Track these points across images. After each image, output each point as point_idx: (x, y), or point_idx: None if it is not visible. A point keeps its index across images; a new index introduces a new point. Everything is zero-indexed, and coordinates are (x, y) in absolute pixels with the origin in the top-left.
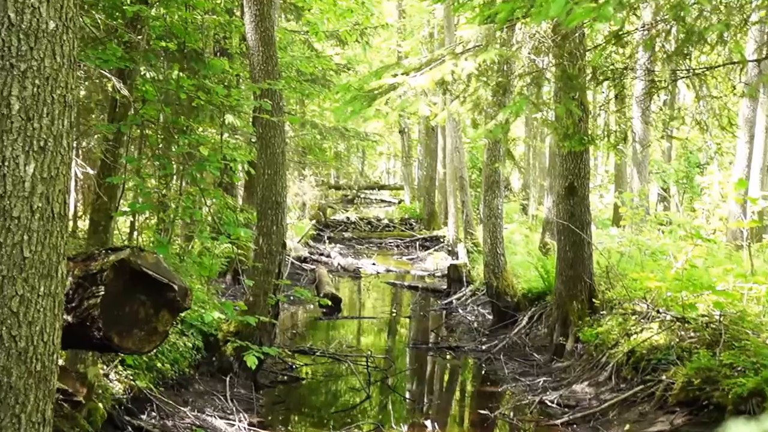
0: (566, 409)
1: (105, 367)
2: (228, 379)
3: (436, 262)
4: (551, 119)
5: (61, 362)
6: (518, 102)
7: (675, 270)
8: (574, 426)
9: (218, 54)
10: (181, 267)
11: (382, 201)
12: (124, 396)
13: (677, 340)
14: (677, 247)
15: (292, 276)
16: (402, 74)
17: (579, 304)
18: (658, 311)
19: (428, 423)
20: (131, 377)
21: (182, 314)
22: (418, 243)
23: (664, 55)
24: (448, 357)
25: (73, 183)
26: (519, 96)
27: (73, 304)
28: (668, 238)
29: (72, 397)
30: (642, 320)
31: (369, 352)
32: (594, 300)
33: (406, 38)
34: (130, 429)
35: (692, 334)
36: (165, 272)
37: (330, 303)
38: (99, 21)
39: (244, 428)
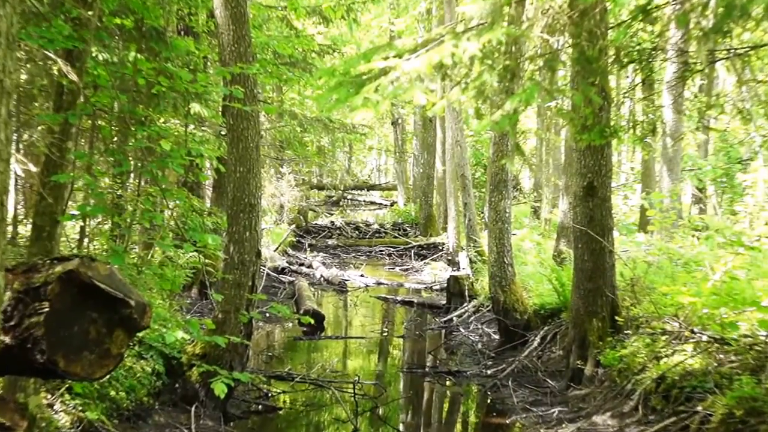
0: None
1: (49, 396)
2: (193, 409)
3: (434, 273)
4: (567, 108)
5: None
6: (529, 89)
7: (712, 283)
8: None
9: (182, 33)
10: (138, 279)
11: (372, 203)
12: (72, 429)
13: (715, 364)
14: (715, 257)
15: (267, 289)
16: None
17: (599, 322)
18: (692, 331)
19: None
20: (80, 408)
21: (140, 334)
22: (413, 251)
23: (700, 33)
24: (447, 383)
25: (12, 182)
26: (530, 82)
27: (12, 323)
28: (704, 246)
29: None
30: (674, 341)
31: (356, 378)
32: (617, 317)
33: (400, 15)
34: None
35: (733, 358)
36: (120, 286)
37: (311, 321)
38: None
39: None
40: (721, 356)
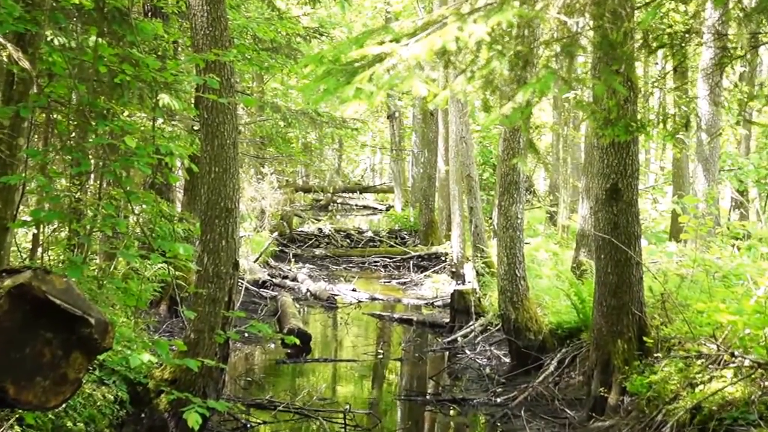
0: None
1: None
2: None
3: (436, 287)
4: (588, 100)
5: None
6: (544, 78)
7: (756, 299)
8: None
9: (149, 14)
10: (99, 294)
11: (366, 207)
12: None
13: (759, 393)
14: (758, 269)
15: (247, 306)
16: (391, 42)
17: (625, 343)
18: (732, 354)
19: None
20: None
21: (101, 357)
22: (412, 262)
23: (741, 13)
24: (451, 412)
25: None
26: (545, 70)
27: None
28: (746, 257)
29: None
30: (711, 366)
31: (347, 406)
32: (645, 338)
33: None
34: None
35: None
36: (78, 301)
37: (296, 341)
38: None
39: None
40: (767, 383)
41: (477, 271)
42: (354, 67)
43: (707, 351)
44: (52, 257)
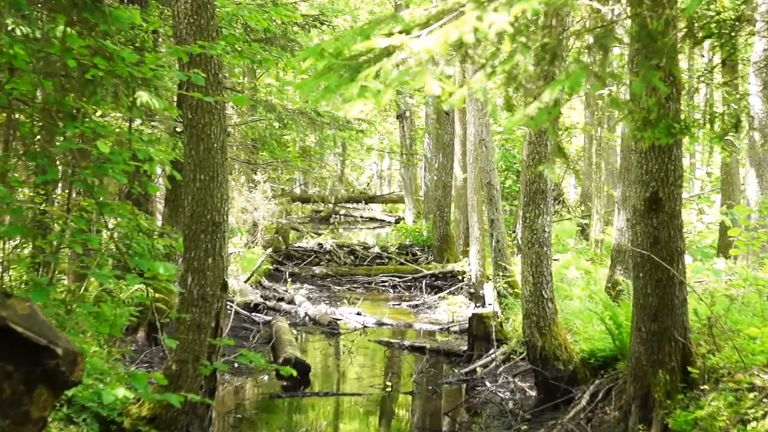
0: None
1: None
2: None
3: (452, 310)
4: (624, 98)
5: None
6: (574, 73)
7: None
8: None
9: (125, 0)
10: (68, 320)
11: (372, 219)
12: None
13: None
14: None
15: (236, 332)
16: (401, 33)
17: (667, 374)
18: None
19: None
20: None
21: (69, 392)
22: (424, 282)
23: None
24: None
25: None
26: (575, 64)
27: None
28: None
29: None
30: (765, 400)
31: None
32: (690, 368)
33: None
34: None
35: None
36: (43, 329)
37: (293, 372)
38: None
39: None
40: None
41: (498, 292)
42: (359, 61)
43: (761, 383)
44: (13, 278)
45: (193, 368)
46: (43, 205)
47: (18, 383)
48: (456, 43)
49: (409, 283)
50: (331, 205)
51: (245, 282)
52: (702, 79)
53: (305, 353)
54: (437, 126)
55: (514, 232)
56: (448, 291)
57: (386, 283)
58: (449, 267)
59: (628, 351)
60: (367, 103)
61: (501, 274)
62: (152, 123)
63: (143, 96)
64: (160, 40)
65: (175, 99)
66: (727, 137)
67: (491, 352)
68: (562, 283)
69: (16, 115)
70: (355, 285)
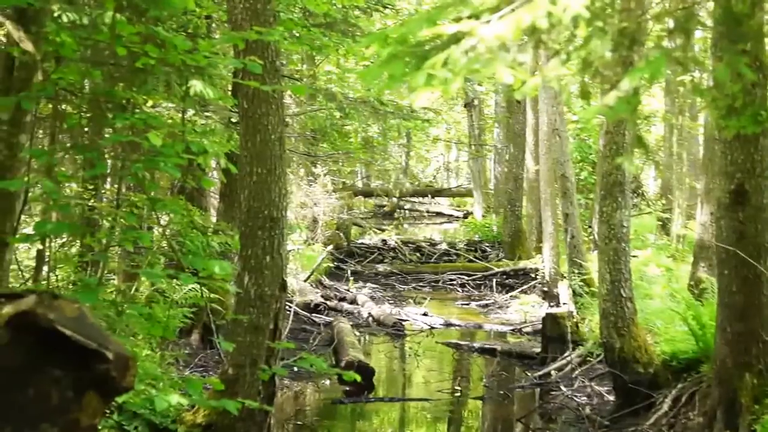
0: None
1: None
2: None
3: (525, 310)
4: (708, 85)
5: None
6: (655, 60)
7: None
8: None
9: None
10: (118, 323)
11: (439, 214)
12: None
13: None
14: None
15: (296, 334)
16: (470, 18)
17: (754, 377)
18: None
19: None
20: None
21: (120, 398)
22: (495, 280)
23: None
24: None
25: None
26: (656, 50)
27: None
28: None
29: None
30: None
31: None
32: None
33: None
34: None
35: None
36: (93, 332)
37: (356, 377)
38: None
39: None
40: None
41: (573, 291)
42: (425, 49)
43: None
44: (60, 278)
45: (251, 373)
46: (92, 200)
47: (66, 389)
48: (529, 28)
49: (478, 282)
50: (395, 199)
51: (305, 281)
52: None
53: (369, 356)
54: (508, 115)
55: (589, 227)
56: (519, 290)
57: (454, 282)
58: (521, 264)
59: (713, 353)
60: (434, 92)
61: (576, 271)
62: (206, 113)
63: (197, 85)
64: (214, 26)
65: (231, 88)
66: None
67: (566, 354)
68: (642, 281)
69: (63, 107)
70: (421, 284)
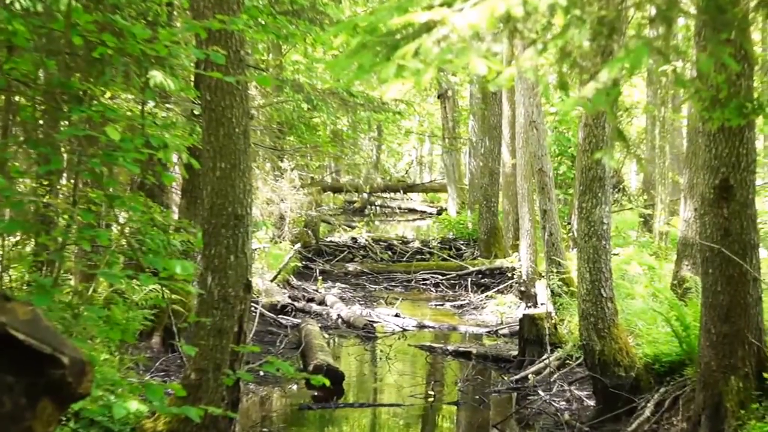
0: None
1: None
2: None
3: (501, 311)
4: (690, 76)
5: None
6: (635, 50)
7: None
8: None
9: None
10: (75, 326)
11: (411, 210)
12: None
13: None
14: None
15: (262, 337)
16: (441, 6)
17: (740, 381)
18: None
19: None
20: None
21: (77, 405)
22: (470, 280)
23: None
24: None
25: None
26: (636, 39)
27: None
28: None
29: None
30: None
31: None
32: (766, 375)
33: None
34: None
35: None
36: (47, 336)
37: (325, 381)
38: None
39: None
40: None
41: (552, 291)
42: (396, 38)
43: None
44: (13, 278)
45: (214, 378)
46: (47, 197)
47: (19, 396)
48: (503, 16)
49: (452, 281)
50: (365, 195)
51: (271, 281)
52: None
53: (338, 360)
54: (483, 106)
55: (569, 224)
56: (496, 289)
57: (427, 281)
58: (497, 263)
59: (697, 355)
60: (405, 84)
61: (555, 270)
62: (167, 106)
63: (157, 76)
64: (175, 14)
65: (193, 79)
66: None
67: (544, 357)
68: (623, 281)
69: (16, 98)
70: (393, 283)
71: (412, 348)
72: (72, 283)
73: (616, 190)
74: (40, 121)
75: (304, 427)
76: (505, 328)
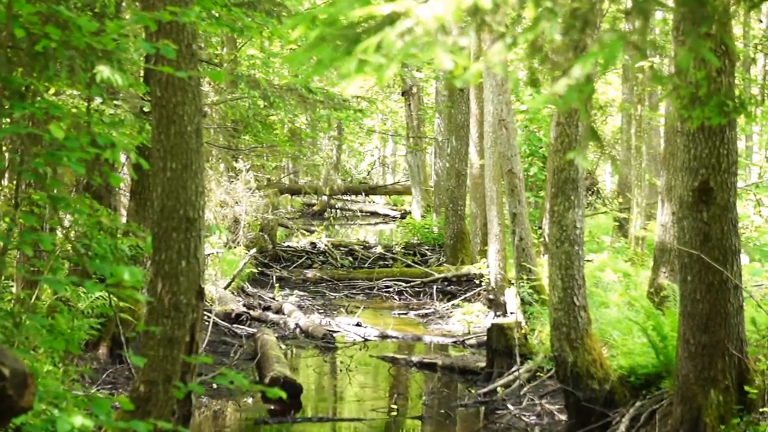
0: None
1: None
2: None
3: (468, 320)
4: (668, 72)
5: None
6: (609, 44)
7: None
8: None
9: None
10: (16, 335)
11: (374, 214)
12: None
13: None
14: None
15: (215, 347)
16: None
17: (720, 394)
18: None
19: None
20: None
21: (18, 419)
22: (435, 287)
23: None
24: None
25: None
26: (611, 33)
27: None
28: None
29: None
30: None
31: None
32: (747, 387)
33: None
34: None
35: None
36: None
37: (282, 394)
38: None
39: None
40: None
41: (522, 299)
42: (357, 31)
43: None
44: None
45: (164, 390)
46: None
47: None
48: (470, 8)
49: (417, 289)
50: (325, 198)
51: (225, 288)
52: (760, 48)
53: (296, 372)
54: (449, 104)
55: (539, 228)
56: (462, 297)
57: (390, 289)
58: (464, 269)
59: (675, 367)
60: (367, 79)
61: (525, 277)
62: (115, 102)
63: (104, 71)
64: (123, 5)
65: (142, 74)
66: None
67: (514, 369)
68: (597, 288)
69: None
70: (354, 291)
71: (374, 359)
72: (14, 290)
73: (590, 192)
74: None
75: None
76: (472, 338)
